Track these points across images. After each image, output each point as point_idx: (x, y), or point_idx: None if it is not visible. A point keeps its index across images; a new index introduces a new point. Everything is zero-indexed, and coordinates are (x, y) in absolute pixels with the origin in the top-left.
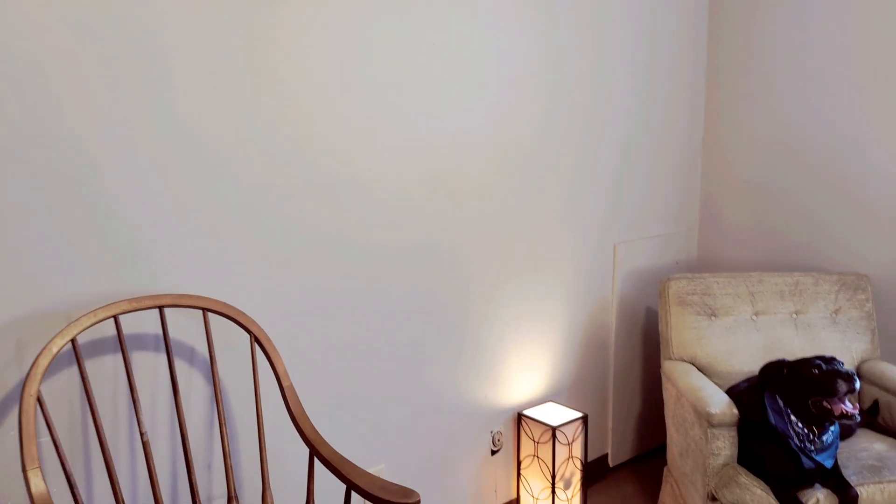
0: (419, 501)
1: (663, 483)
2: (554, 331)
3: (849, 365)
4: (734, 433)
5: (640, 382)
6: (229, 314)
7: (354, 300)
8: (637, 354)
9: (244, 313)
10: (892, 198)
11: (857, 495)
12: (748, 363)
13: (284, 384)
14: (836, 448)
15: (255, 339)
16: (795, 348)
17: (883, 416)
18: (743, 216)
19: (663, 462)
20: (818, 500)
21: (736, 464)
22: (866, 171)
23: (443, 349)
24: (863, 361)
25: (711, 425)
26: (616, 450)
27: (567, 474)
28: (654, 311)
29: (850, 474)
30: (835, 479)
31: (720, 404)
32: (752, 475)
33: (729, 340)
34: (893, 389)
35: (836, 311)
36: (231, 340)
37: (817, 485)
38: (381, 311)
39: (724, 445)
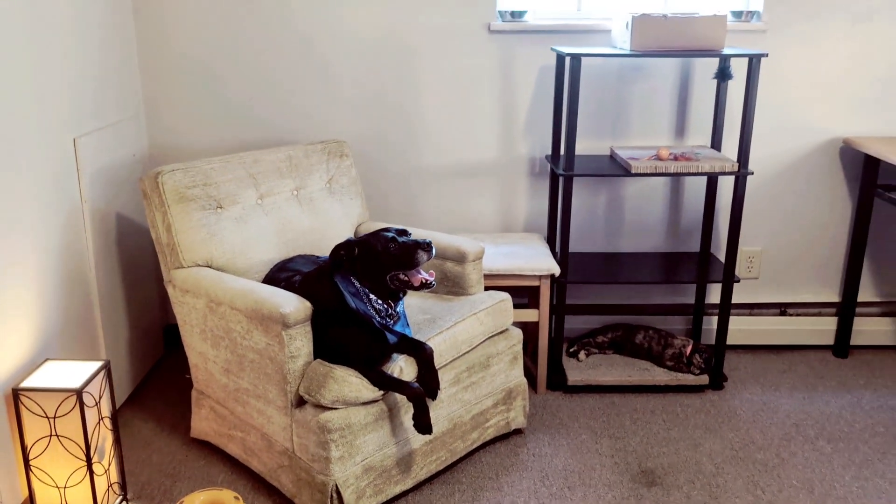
0: None
1: (196, 409)
2: (23, 271)
3: (348, 231)
4: (309, 329)
5: (125, 307)
6: None
7: None
8: (117, 275)
9: None
10: (357, 58)
11: (432, 350)
12: (267, 252)
13: None
14: (405, 315)
15: None
16: (305, 226)
17: None
18: (196, 94)
19: (162, 390)
20: (401, 369)
21: (317, 360)
22: (325, 34)
23: None
24: (360, 224)
25: (287, 326)
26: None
27: (99, 442)
28: (128, 219)
29: (414, 333)
30: (408, 344)
31: (291, 302)
32: (340, 366)
33: (242, 232)
34: None
35: (330, 181)
36: None
37: (394, 354)
38: None
39: (303, 344)
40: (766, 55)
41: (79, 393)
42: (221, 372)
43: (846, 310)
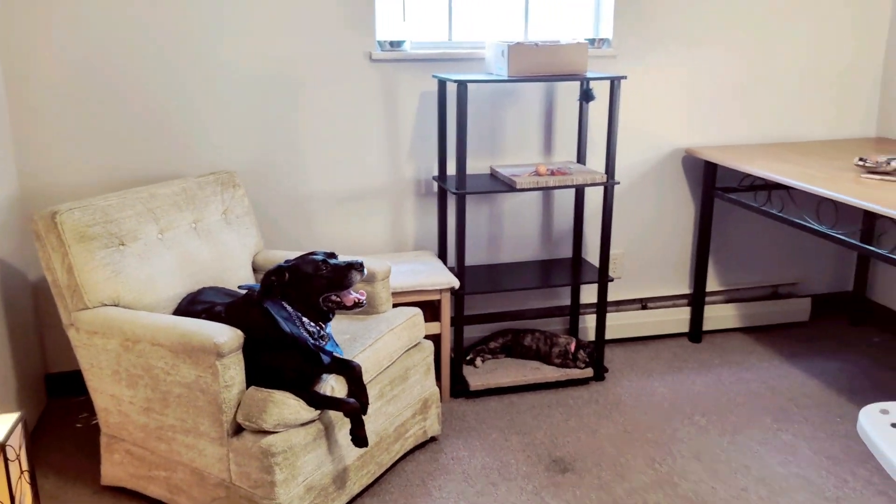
0: None
1: (106, 454)
2: None
3: (247, 261)
4: (242, 357)
5: (10, 357)
6: None
7: None
8: (1, 323)
9: None
10: (241, 88)
11: (360, 367)
12: (173, 286)
13: None
14: (332, 335)
15: None
16: (206, 259)
17: None
18: (69, 130)
19: (54, 441)
20: (332, 388)
21: (252, 386)
22: (206, 65)
23: None
24: (257, 253)
25: (221, 356)
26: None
27: (21, 497)
28: (4, 263)
29: (341, 353)
30: (338, 363)
31: (223, 332)
32: (277, 390)
33: (147, 268)
34: None
35: (226, 212)
36: None
37: (324, 374)
38: None
39: (237, 372)
40: (626, 78)
41: (2, 446)
42: (140, 412)
43: (697, 299)
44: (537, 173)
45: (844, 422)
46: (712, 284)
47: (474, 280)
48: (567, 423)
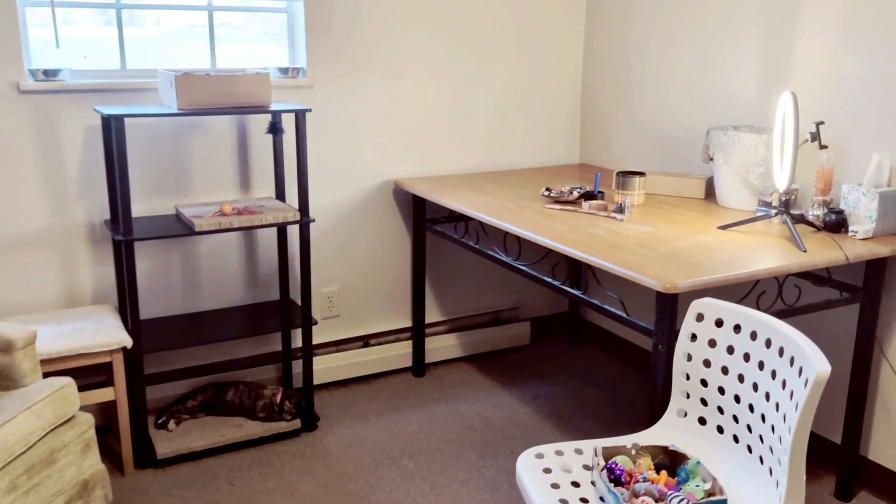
0: None
1: None
2: None
3: None
4: None
5: None
6: None
7: None
8: None
9: None
10: None
11: None
12: None
13: None
14: None
15: None
16: None
17: None
18: None
19: None
20: None
21: None
22: None
23: None
24: None
25: None
26: None
27: None
28: None
29: None
30: None
31: None
32: None
33: None
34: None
35: None
36: None
37: None
38: None
39: None
40: (310, 110)
41: None
42: None
43: (418, 332)
44: (222, 213)
45: None
46: (434, 315)
47: (164, 334)
48: (265, 486)
